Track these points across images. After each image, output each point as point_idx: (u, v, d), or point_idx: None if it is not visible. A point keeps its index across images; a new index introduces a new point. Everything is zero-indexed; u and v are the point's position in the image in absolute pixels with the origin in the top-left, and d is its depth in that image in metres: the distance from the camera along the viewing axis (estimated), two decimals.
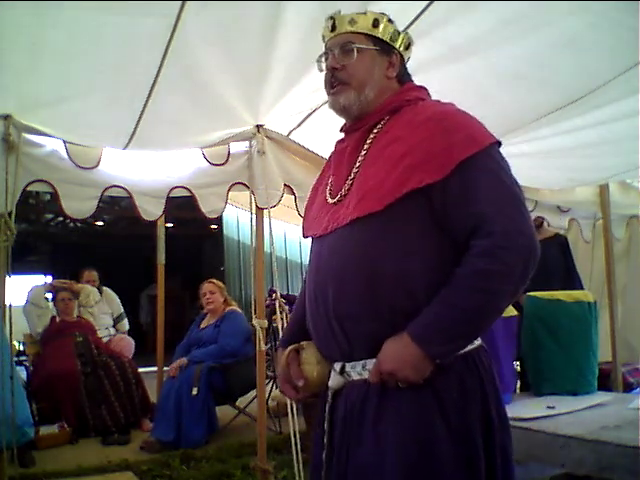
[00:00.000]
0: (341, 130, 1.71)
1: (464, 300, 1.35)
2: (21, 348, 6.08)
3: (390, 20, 1.63)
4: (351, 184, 1.54)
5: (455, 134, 1.41)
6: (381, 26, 1.60)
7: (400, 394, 1.39)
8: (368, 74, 1.58)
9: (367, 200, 1.44)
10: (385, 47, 1.61)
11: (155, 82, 2.91)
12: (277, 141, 3.81)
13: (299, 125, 3.73)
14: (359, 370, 1.48)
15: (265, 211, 3.78)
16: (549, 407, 2.49)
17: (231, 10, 2.45)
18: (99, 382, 5.08)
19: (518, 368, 3.12)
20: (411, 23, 2.53)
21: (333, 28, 1.62)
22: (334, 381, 1.53)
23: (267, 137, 3.75)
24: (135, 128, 3.38)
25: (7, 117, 3.17)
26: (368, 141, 1.56)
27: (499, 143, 1.48)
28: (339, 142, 1.71)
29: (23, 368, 5.60)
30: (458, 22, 2.58)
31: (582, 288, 4.83)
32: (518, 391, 3.05)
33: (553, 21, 2.58)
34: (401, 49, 1.64)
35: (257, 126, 3.70)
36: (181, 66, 2.82)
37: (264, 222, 3.81)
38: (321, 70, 1.66)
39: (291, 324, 1.84)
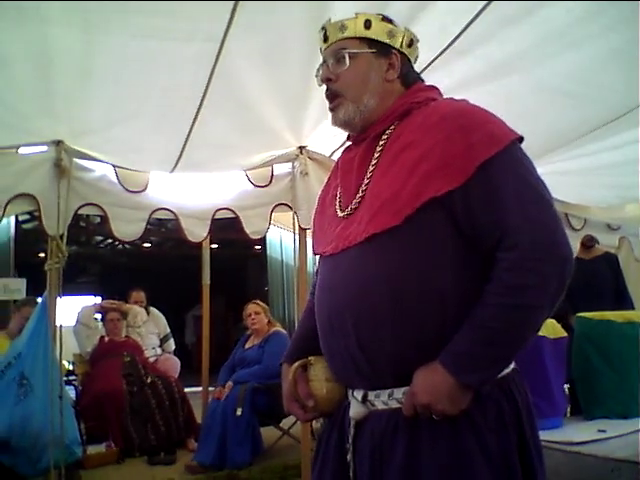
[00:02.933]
0: (348, 138, 1.59)
1: (496, 320, 1.22)
2: (70, 368, 6.19)
3: (386, 18, 1.49)
4: (362, 196, 1.39)
5: (473, 133, 1.27)
6: (373, 26, 1.46)
7: (435, 426, 1.25)
8: (363, 81, 1.45)
9: (383, 214, 1.30)
10: (382, 48, 1.46)
11: (201, 105, 2.97)
12: (320, 162, 3.84)
13: (341, 146, 3.75)
14: (384, 399, 1.33)
15: (308, 232, 3.80)
16: (600, 431, 2.42)
17: (273, 33, 2.50)
18: (146, 401, 5.13)
19: (569, 391, 3.04)
20: (452, 42, 2.53)
21: (325, 38, 1.51)
22: (356, 410, 1.38)
23: (310, 158, 3.79)
24: (181, 151, 3.46)
25: (59, 143, 3.29)
26: (378, 149, 1.42)
27: (521, 138, 1.33)
28: (346, 151, 1.58)
29: (72, 388, 5.70)
30: (499, 39, 2.57)
31: (633, 308, 4.69)
32: (569, 414, 2.96)
33: (595, 36, 2.55)
34: (402, 48, 1.48)
35: (300, 147, 3.74)
36: (226, 89, 2.87)
37: (307, 242, 3.83)
38: (320, 84, 1.55)
39: (296, 338, 1.68)
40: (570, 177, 3.89)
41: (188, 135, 3.27)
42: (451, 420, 1.25)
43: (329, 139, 3.66)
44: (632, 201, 5.21)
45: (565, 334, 2.70)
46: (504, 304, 1.23)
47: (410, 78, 1.51)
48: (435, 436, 1.26)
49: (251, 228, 3.91)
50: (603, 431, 2.41)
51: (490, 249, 1.27)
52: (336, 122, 1.50)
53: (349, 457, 1.38)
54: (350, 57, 1.45)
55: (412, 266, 1.29)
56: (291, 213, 3.91)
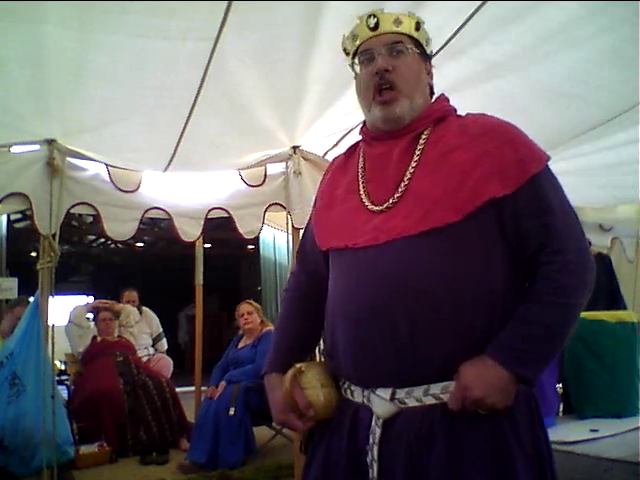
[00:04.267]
0: (365, 134, 1.58)
1: (548, 316, 1.30)
2: (62, 367, 6.17)
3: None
4: (404, 191, 1.40)
5: (522, 147, 1.39)
6: (421, 30, 1.51)
7: (475, 423, 1.28)
8: (418, 79, 1.49)
9: (440, 210, 1.33)
10: (423, 52, 1.52)
11: (194, 105, 2.96)
12: (313, 162, 3.84)
13: (335, 145, 3.75)
14: (418, 395, 1.32)
15: (301, 231, 3.80)
16: (592, 430, 2.43)
17: (267, 32, 2.49)
18: (138, 402, 5.12)
19: (561, 390, 3.05)
20: (447, 42, 2.53)
21: (376, 26, 1.47)
22: (382, 409, 1.35)
23: (303, 158, 3.79)
24: (175, 150, 3.44)
25: (52, 141, 3.27)
26: (419, 147, 1.44)
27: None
28: (368, 146, 1.56)
29: (64, 387, 5.68)
30: (494, 39, 2.58)
31: (626, 308, 4.72)
32: (561, 414, 2.97)
33: (591, 36, 2.56)
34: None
35: (293, 147, 3.73)
36: (219, 89, 2.86)
37: None
38: (356, 73, 1.53)
39: (281, 346, 1.64)
40: (565, 178, 3.86)
41: (181, 134, 3.26)
42: (492, 416, 1.28)
43: (323, 139, 3.66)
44: (627, 201, 5.23)
45: None
46: (557, 302, 1.31)
47: (433, 87, 1.57)
48: (477, 433, 1.28)
49: (244, 228, 3.91)
50: (595, 430, 2.42)
51: (530, 252, 1.36)
52: (389, 115, 1.47)
53: (370, 458, 1.35)
54: (410, 52, 1.47)
55: (467, 263, 1.34)
56: (284, 213, 3.91)
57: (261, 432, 4.98)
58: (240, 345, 5.23)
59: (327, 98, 3.03)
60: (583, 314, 2.90)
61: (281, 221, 4.37)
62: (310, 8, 2.35)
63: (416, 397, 1.33)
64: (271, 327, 5.29)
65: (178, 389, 5.58)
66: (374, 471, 1.34)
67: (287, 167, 3.86)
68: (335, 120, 3.29)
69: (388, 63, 1.45)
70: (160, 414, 5.14)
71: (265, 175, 3.91)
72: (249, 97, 2.99)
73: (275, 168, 3.92)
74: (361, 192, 1.49)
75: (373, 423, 1.36)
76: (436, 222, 1.33)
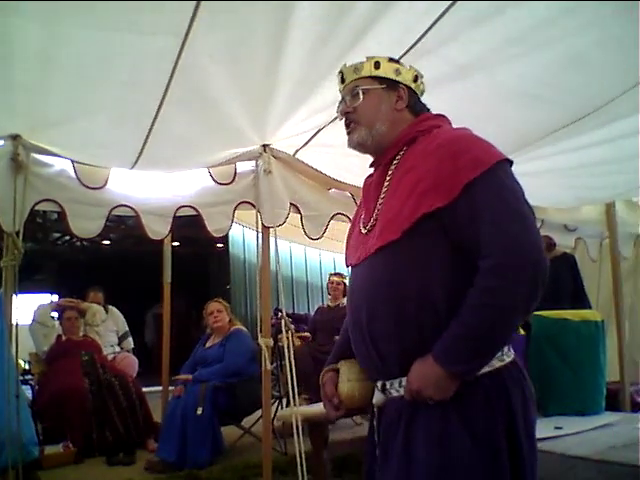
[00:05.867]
0: (371, 165, 1.83)
1: (473, 318, 1.44)
2: (26, 367, 6.07)
3: (393, 60, 1.79)
4: (378, 215, 1.66)
5: (461, 157, 1.50)
6: (382, 66, 1.75)
7: (428, 409, 1.48)
8: (375, 111, 1.73)
9: (388, 230, 1.57)
10: (391, 83, 1.74)
11: (163, 101, 2.93)
12: (283, 160, 3.84)
13: (305, 144, 3.75)
14: (396, 387, 1.59)
15: (271, 230, 3.80)
16: (557, 428, 2.47)
17: (238, 29, 2.48)
18: (103, 401, 5.06)
19: None
20: (416, 42, 2.55)
21: (343, 80, 1.80)
22: (377, 398, 1.64)
23: (273, 156, 3.78)
24: (142, 147, 3.40)
25: (16, 137, 3.20)
26: (389, 173, 1.69)
27: (510, 161, 1.55)
28: (368, 177, 1.85)
29: (28, 387, 5.58)
30: (463, 40, 2.60)
31: (590, 307, 4.81)
32: None
33: (558, 39, 2.60)
34: (407, 82, 1.76)
35: (263, 145, 3.72)
36: (188, 85, 2.83)
37: (270, 241, 3.82)
38: (340, 118, 1.82)
39: (336, 346, 1.94)
40: (531, 179, 3.92)
41: (149, 131, 3.22)
42: (442, 405, 1.47)
43: (293, 138, 3.65)
44: (589, 202, 5.33)
45: (523, 332, 2.74)
46: (478, 304, 1.45)
47: (417, 107, 1.79)
48: (427, 418, 1.49)
49: (213, 226, 3.88)
50: (560, 428, 2.46)
51: (474, 258, 1.48)
52: (351, 143, 1.78)
53: (375, 438, 1.65)
54: (364, 92, 1.74)
55: (410, 271, 1.54)
56: (254, 211, 3.90)
57: (229, 431, 4.96)
58: (208, 344, 5.21)
59: (297, 95, 3.02)
60: (547, 313, 2.97)
61: (251, 219, 4.35)
62: (279, 8, 2.34)
63: (395, 388, 1.59)
64: (239, 326, 5.27)
65: (145, 389, 5.53)
66: (377, 450, 1.64)
67: (257, 165, 3.84)
68: (305, 118, 3.29)
69: (349, 106, 1.77)
70: (126, 414, 5.09)
71: (235, 173, 3.89)
72: (219, 94, 2.96)
73: (245, 166, 3.90)
74: (362, 218, 1.77)
75: (375, 410, 1.66)
76: (383, 241, 1.58)
